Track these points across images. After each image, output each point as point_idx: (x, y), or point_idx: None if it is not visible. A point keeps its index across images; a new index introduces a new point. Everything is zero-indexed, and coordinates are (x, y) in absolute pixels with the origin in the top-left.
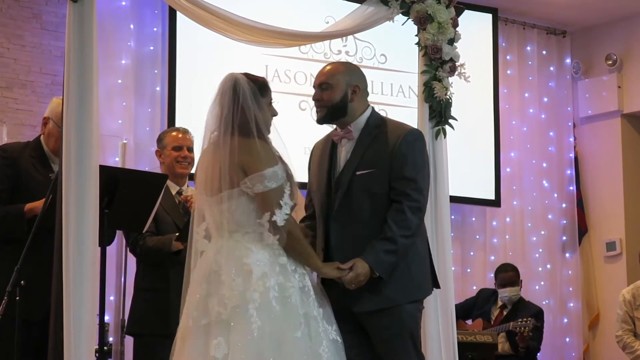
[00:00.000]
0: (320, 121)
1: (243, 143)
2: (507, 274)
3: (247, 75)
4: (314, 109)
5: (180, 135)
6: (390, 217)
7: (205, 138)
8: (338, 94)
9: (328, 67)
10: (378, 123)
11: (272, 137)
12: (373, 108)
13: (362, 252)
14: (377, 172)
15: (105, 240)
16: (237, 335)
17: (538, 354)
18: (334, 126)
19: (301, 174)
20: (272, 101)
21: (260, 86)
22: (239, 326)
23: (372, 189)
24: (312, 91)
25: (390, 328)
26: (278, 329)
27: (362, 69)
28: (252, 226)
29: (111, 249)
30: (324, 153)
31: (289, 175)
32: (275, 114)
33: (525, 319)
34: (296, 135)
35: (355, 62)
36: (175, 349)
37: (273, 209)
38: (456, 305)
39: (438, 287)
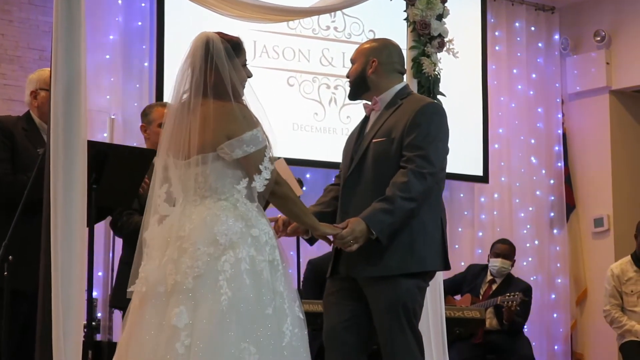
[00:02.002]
0: (349, 97)
1: (219, 107)
2: (504, 246)
3: (220, 34)
4: (302, 84)
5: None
6: (395, 179)
7: (174, 98)
8: (358, 68)
9: (359, 46)
10: (404, 96)
11: (249, 98)
12: (407, 85)
13: None
14: (392, 140)
15: (93, 216)
16: (203, 305)
17: (524, 329)
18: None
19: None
20: (247, 62)
21: (234, 46)
22: (205, 296)
23: (385, 156)
24: (301, 67)
25: (385, 299)
26: (248, 303)
27: (351, 45)
28: (226, 193)
29: (99, 225)
30: (357, 128)
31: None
32: (249, 75)
33: (512, 294)
34: (284, 111)
35: (343, 38)
36: (131, 315)
37: (252, 174)
38: (445, 281)
39: (448, 268)
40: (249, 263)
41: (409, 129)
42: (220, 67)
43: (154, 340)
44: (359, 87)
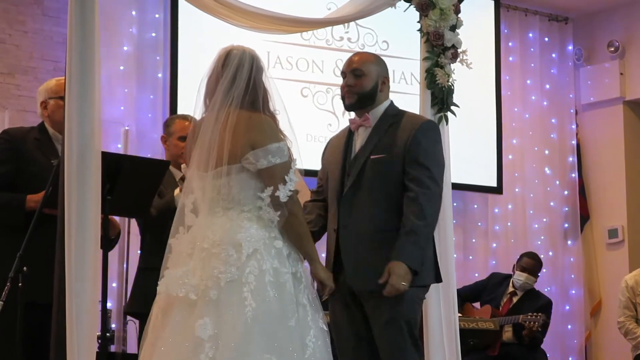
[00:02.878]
0: (350, 107)
1: (249, 117)
2: (532, 261)
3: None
4: (316, 95)
5: (187, 124)
6: (407, 208)
7: (202, 109)
8: (370, 82)
9: (359, 56)
10: (395, 113)
11: (281, 118)
12: (392, 101)
13: (369, 231)
14: (391, 157)
15: (107, 227)
16: (228, 316)
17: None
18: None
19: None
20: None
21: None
22: (232, 304)
23: (385, 172)
24: (314, 78)
25: (389, 313)
26: (272, 315)
27: None
28: (249, 204)
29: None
30: (340, 142)
31: (291, 155)
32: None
33: (535, 315)
34: (298, 122)
35: (357, 49)
36: (153, 321)
37: (277, 184)
38: (466, 288)
39: (440, 280)
40: (273, 275)
41: (412, 147)
42: (258, 83)
43: (177, 348)
44: (366, 102)
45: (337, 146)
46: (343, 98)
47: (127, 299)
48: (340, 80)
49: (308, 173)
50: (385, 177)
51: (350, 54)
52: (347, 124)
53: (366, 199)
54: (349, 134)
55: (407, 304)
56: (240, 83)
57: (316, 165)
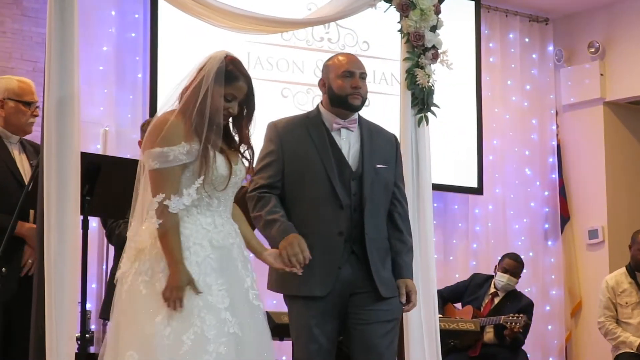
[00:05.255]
0: (356, 109)
1: (157, 118)
2: (514, 263)
3: (234, 59)
4: (296, 95)
5: None
6: (403, 224)
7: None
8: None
9: (358, 59)
10: (363, 120)
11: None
12: None
13: (379, 238)
14: (388, 169)
15: (86, 228)
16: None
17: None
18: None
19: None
20: (233, 98)
21: (227, 74)
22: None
23: (387, 183)
24: (295, 78)
25: (390, 316)
26: (138, 312)
27: None
28: (150, 208)
29: (92, 237)
30: (320, 139)
31: (208, 166)
32: (227, 109)
33: (517, 315)
34: None
35: (337, 49)
36: None
37: (168, 193)
38: (447, 288)
39: None
40: (150, 275)
41: (398, 163)
42: (205, 84)
43: None
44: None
45: (312, 142)
46: (348, 97)
47: (102, 304)
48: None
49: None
50: (386, 187)
51: (330, 54)
52: None
53: (378, 210)
54: (326, 134)
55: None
56: (186, 85)
57: None
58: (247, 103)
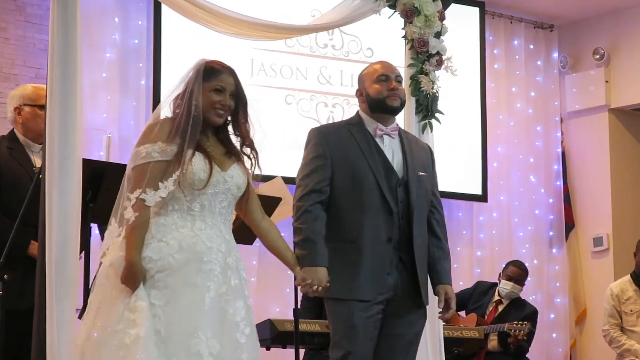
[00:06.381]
0: (396, 110)
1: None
2: (519, 270)
3: (213, 61)
4: (300, 102)
5: None
6: (441, 232)
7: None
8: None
9: (392, 64)
10: (399, 128)
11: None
12: None
13: (424, 245)
14: (428, 176)
15: (89, 235)
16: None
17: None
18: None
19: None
20: (221, 88)
21: (207, 70)
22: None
23: (427, 191)
24: (298, 85)
25: (420, 326)
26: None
27: (349, 63)
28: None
29: (95, 243)
30: (366, 145)
31: (179, 163)
32: (217, 101)
33: (521, 323)
34: (282, 129)
35: (341, 56)
36: None
37: (144, 187)
38: None
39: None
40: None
41: (434, 171)
42: (190, 85)
43: None
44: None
45: (355, 148)
46: (386, 99)
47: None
48: (324, 88)
49: (292, 181)
50: (426, 194)
51: (333, 61)
52: None
53: (418, 214)
54: (371, 139)
55: None
56: (175, 89)
57: None
58: (237, 95)
